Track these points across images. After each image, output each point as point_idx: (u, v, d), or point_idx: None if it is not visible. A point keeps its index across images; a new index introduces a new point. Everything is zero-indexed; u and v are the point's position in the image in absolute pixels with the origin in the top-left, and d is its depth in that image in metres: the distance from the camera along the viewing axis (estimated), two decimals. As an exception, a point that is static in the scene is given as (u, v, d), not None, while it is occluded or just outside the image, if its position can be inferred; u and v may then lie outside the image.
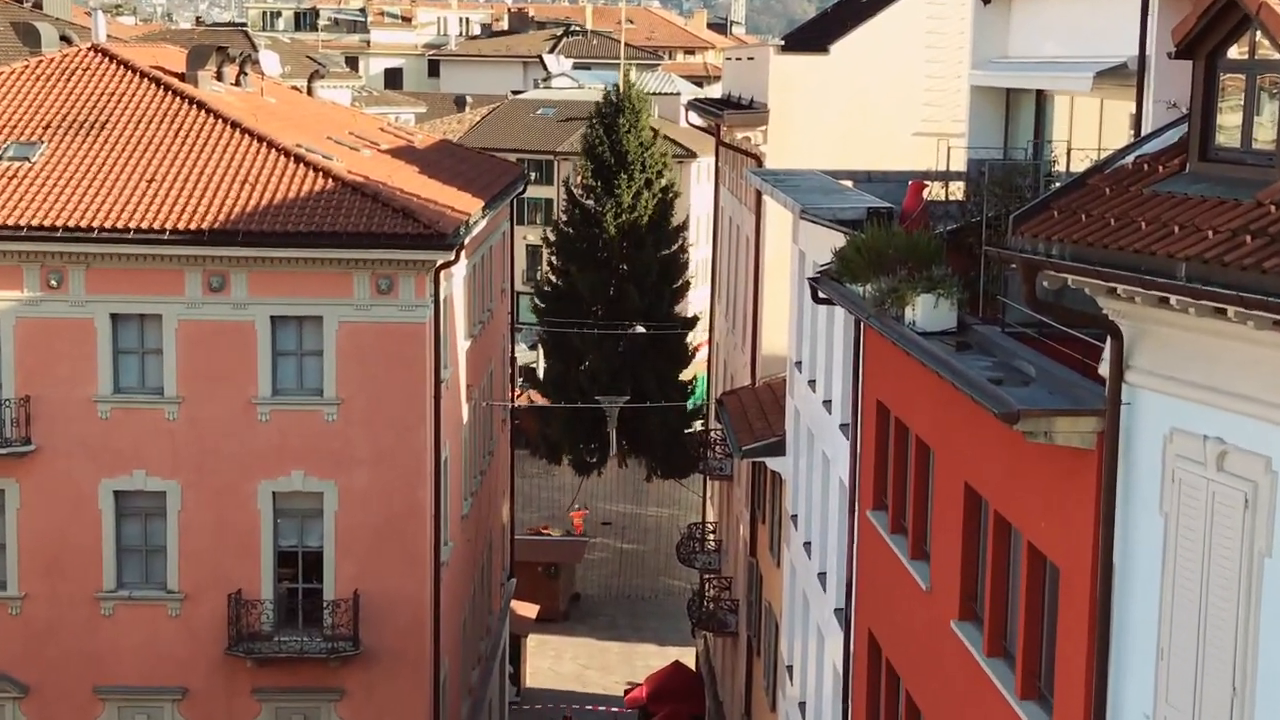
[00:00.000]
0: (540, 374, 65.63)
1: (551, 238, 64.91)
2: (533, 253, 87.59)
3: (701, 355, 63.79)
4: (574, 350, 60.97)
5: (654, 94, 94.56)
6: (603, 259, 62.10)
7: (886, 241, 17.92)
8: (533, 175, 68.74)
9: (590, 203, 63.26)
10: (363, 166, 32.72)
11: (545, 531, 59.60)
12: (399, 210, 29.35)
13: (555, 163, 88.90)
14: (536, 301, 64.29)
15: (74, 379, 29.32)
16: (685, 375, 64.91)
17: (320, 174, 30.42)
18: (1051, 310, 12.98)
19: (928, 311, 16.59)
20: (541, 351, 65.17)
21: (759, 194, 33.99)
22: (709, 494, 49.47)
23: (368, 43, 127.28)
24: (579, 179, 65.31)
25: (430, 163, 37.91)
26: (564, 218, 65.42)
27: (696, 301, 77.47)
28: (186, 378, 29.33)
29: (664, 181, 63.78)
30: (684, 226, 65.35)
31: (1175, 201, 11.84)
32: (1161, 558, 11.73)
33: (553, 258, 65.30)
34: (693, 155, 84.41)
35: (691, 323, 65.04)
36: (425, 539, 29.99)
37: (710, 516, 47.80)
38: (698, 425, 60.37)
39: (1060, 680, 13.38)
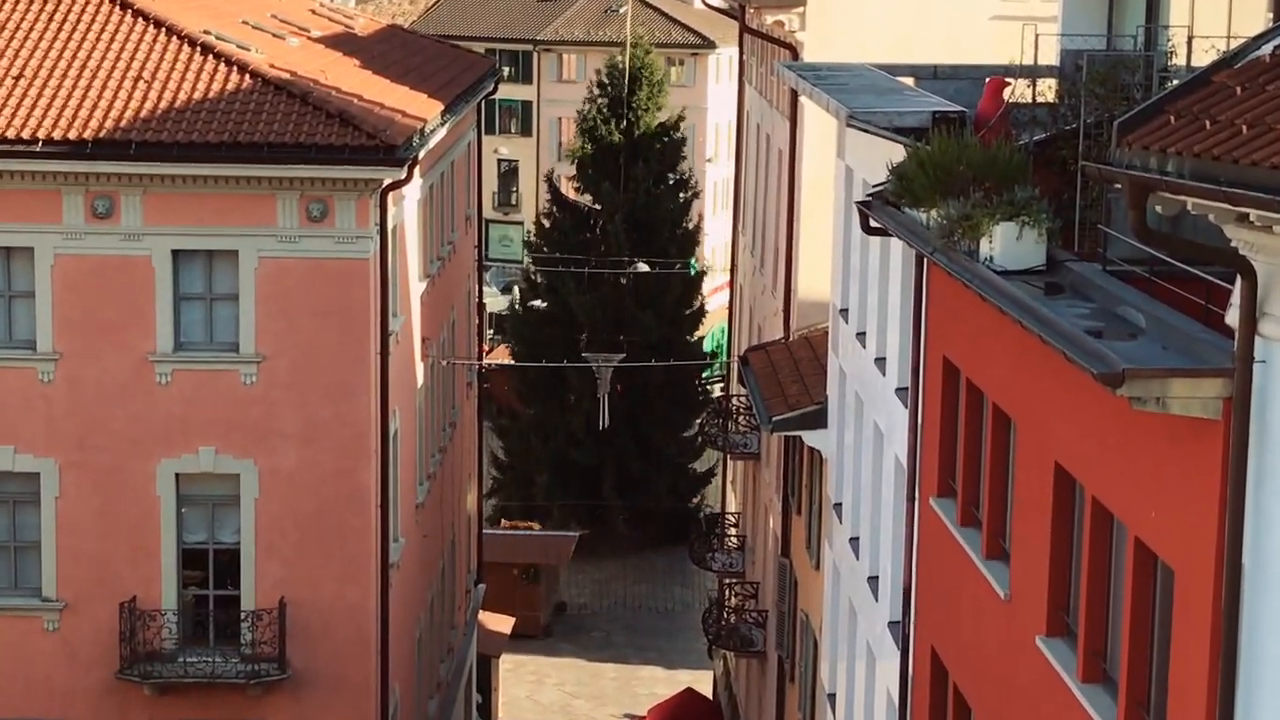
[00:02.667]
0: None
1: (533, 239, 64.24)
2: (505, 170, 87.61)
3: (720, 300, 63.75)
4: (559, 384, 60.08)
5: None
6: (602, 276, 60.60)
7: (957, 155, 17.93)
8: (506, 71, 68.39)
9: (586, 199, 62.47)
10: (289, 59, 32.70)
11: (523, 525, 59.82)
12: (335, 115, 29.35)
13: (535, 55, 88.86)
14: (508, 331, 63.54)
15: (-78, 330, 29.41)
16: (701, 329, 64.91)
17: (235, 68, 30.41)
18: (1166, 243, 12.98)
19: (1009, 244, 16.62)
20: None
21: (795, 95, 33.95)
22: (730, 477, 49.61)
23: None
24: (573, 167, 64.18)
25: (375, 55, 37.87)
26: (546, 222, 64.30)
27: (714, 234, 77.47)
28: (65, 328, 29.36)
29: (681, 174, 63.36)
30: (699, 229, 65.08)
31: (1325, 104, 11.83)
32: (1303, 557, 11.76)
33: (534, 273, 64.47)
34: (711, 46, 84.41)
35: (709, 360, 64.82)
36: (369, 534, 30.11)
37: (731, 506, 47.96)
38: (716, 390, 60.51)
39: (1174, 711, 13.44)
